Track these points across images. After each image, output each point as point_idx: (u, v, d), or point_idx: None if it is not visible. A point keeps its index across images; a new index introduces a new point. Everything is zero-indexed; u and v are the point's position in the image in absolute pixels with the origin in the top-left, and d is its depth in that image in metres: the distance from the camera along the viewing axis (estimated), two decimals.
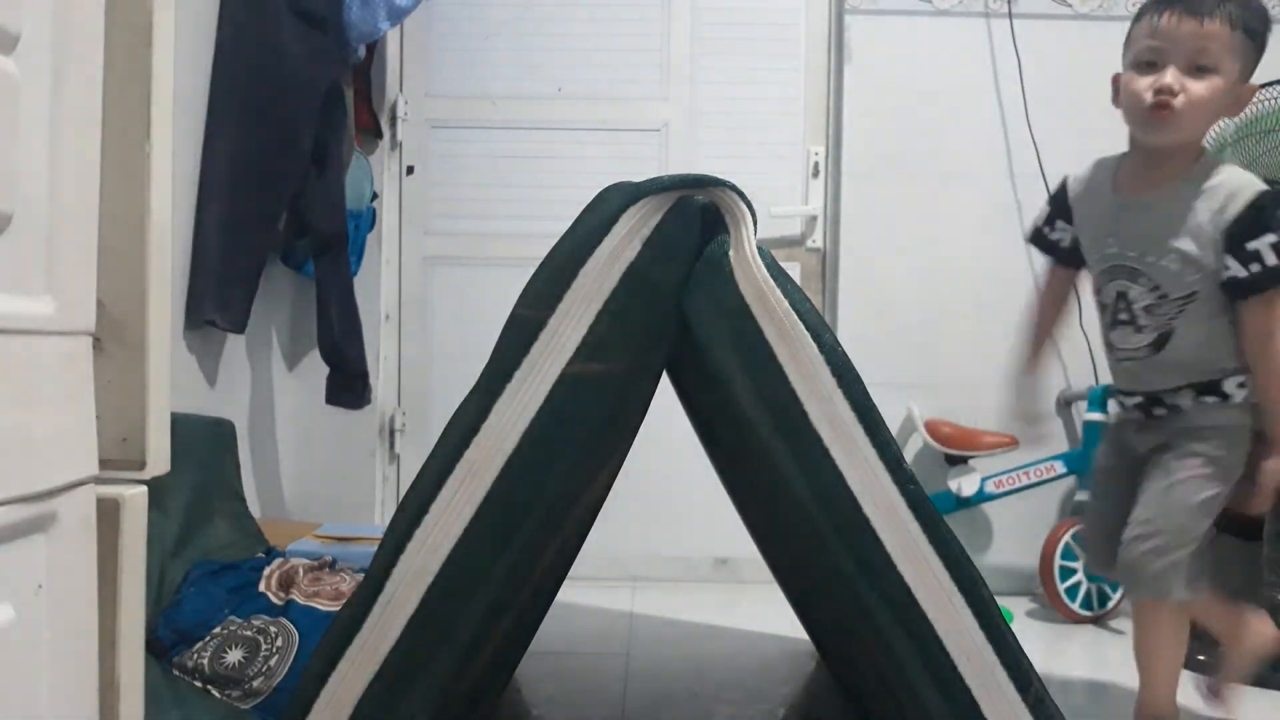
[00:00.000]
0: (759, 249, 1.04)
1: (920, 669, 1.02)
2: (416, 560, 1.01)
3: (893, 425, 2.40)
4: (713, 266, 1.04)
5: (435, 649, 1.03)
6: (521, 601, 1.18)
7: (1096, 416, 2.24)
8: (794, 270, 2.53)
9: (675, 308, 1.06)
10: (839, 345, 1.03)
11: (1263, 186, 1.35)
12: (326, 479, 2.45)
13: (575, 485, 1.11)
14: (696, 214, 1.04)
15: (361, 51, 2.20)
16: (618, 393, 1.06)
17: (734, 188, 1.05)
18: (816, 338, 1.01)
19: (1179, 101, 1.32)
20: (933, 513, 1.03)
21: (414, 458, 2.51)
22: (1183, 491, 1.37)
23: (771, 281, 1.02)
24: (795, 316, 1.01)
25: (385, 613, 1.01)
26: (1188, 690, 1.51)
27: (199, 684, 1.30)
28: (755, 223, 1.06)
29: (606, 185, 1.11)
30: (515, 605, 1.15)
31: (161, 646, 1.34)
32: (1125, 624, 2.16)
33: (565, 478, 1.06)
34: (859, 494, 1.01)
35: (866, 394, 1.03)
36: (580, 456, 1.06)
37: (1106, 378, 2.34)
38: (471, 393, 1.05)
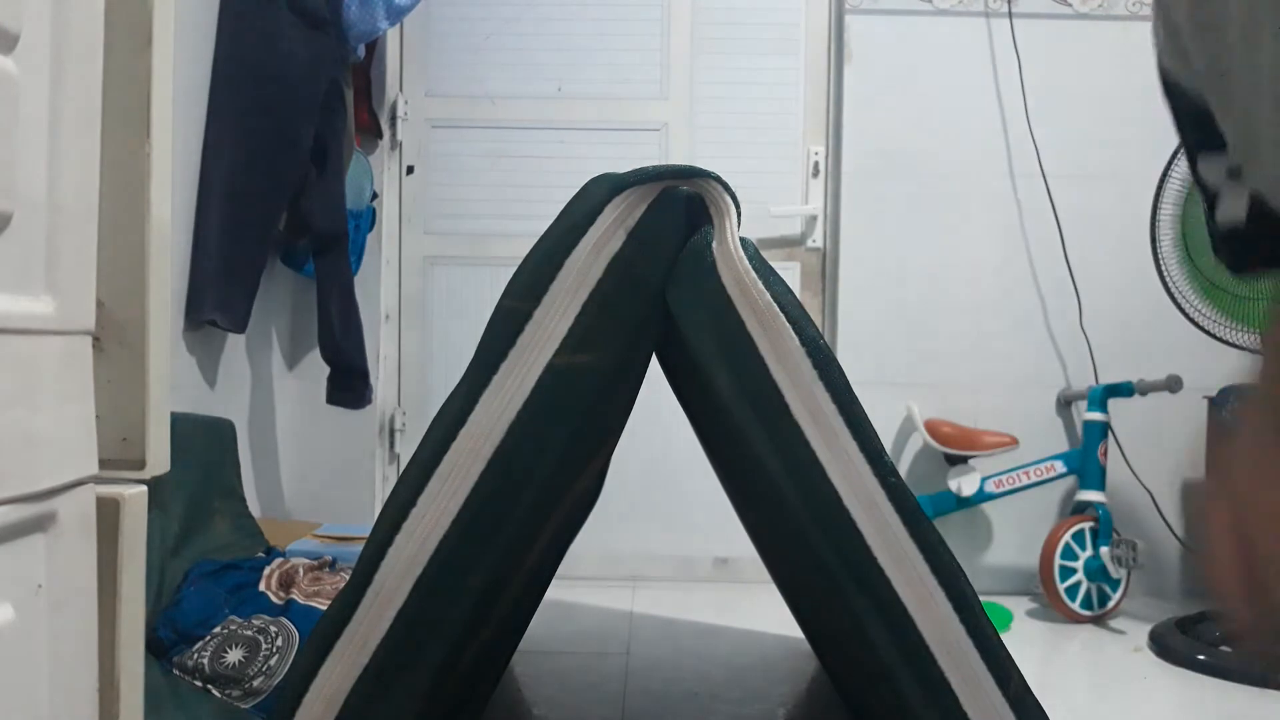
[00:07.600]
0: (742, 240, 1.04)
1: (901, 663, 1.01)
2: (405, 552, 1.00)
3: (893, 425, 2.41)
4: (696, 258, 1.04)
5: (425, 641, 1.03)
6: (513, 592, 1.17)
7: (1096, 416, 2.24)
8: (794, 270, 2.53)
9: (660, 299, 1.05)
10: (821, 338, 1.02)
11: None
12: (326, 479, 2.46)
13: (563, 476, 1.10)
14: (681, 205, 1.03)
15: (361, 51, 2.21)
16: (604, 384, 1.06)
17: (718, 179, 1.05)
18: (798, 330, 1.01)
19: None
20: (914, 505, 1.02)
21: None
22: None
23: (754, 273, 1.01)
24: (777, 308, 1.01)
25: (375, 605, 1.01)
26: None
27: (199, 684, 1.30)
28: (739, 215, 1.05)
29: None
30: (506, 596, 1.15)
31: (161, 646, 1.34)
32: (1125, 624, 2.17)
33: (553, 468, 1.05)
34: (839, 486, 1.00)
35: (848, 386, 1.02)
36: (567, 447, 1.06)
37: (1107, 377, 2.37)
38: (458, 385, 1.05)
